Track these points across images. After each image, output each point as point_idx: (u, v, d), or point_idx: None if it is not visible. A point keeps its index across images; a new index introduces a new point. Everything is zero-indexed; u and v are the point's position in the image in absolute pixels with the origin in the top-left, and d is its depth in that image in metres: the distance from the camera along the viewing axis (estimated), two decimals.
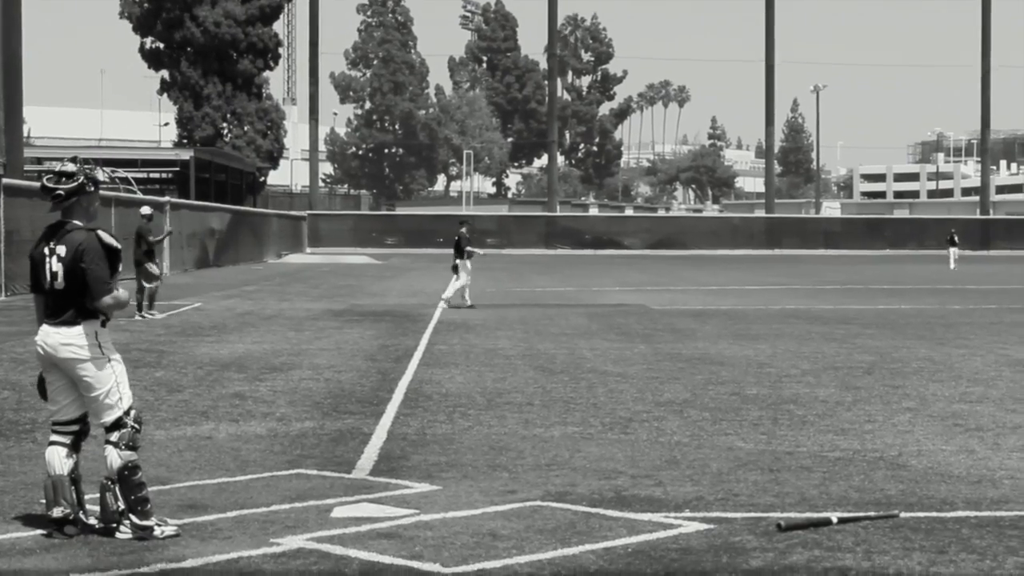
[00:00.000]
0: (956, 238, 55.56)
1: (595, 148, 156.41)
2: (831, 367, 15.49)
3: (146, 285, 23.35)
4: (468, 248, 27.19)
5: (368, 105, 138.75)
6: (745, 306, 27.48)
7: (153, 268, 23.66)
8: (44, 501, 7.04)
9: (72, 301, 6.95)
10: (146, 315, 22.89)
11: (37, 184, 7.25)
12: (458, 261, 27.12)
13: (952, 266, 52.12)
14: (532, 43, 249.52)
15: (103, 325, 7.02)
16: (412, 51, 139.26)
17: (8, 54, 34.31)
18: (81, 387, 6.98)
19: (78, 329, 6.93)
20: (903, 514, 7.49)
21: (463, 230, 27.66)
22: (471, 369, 15.18)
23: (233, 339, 19.11)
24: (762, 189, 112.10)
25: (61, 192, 7.03)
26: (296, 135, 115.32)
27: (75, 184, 7.04)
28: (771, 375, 14.66)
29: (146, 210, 24.97)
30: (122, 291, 7.06)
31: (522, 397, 12.71)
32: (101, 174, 7.27)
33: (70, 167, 7.07)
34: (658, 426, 10.91)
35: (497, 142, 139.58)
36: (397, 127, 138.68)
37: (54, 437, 7.07)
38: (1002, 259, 70.53)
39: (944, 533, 7.07)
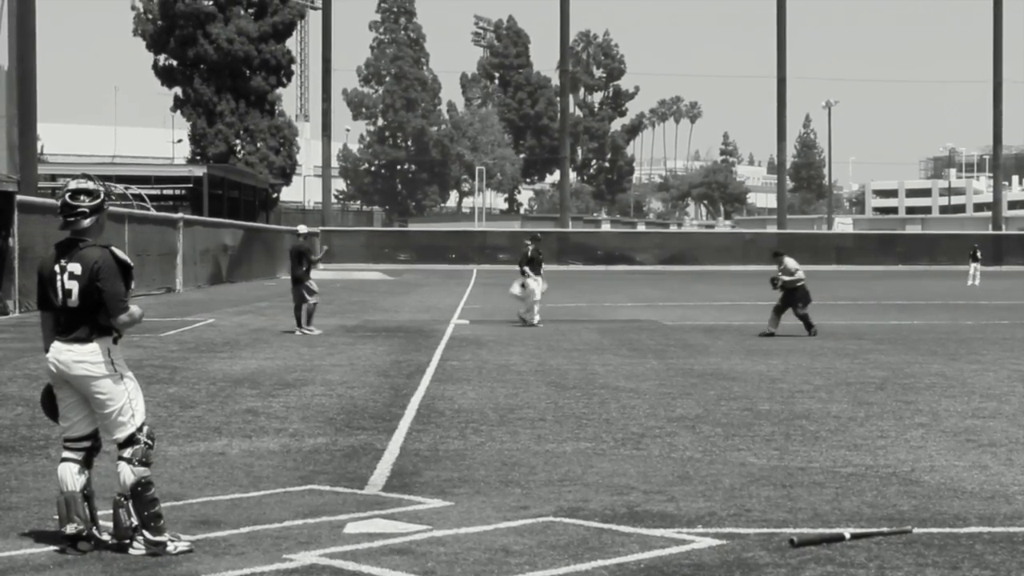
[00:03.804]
0: (979, 254, 53.57)
1: (607, 164, 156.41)
2: (843, 382, 15.47)
3: (309, 300, 23.77)
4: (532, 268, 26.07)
5: (380, 121, 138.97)
6: (757, 321, 27.41)
7: (313, 285, 24.10)
8: (57, 517, 7.05)
9: (86, 318, 6.96)
10: (306, 331, 23.31)
11: (51, 200, 7.26)
12: (529, 279, 26.11)
13: (976, 282, 50.56)
14: (544, 59, 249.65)
15: (115, 342, 7.04)
16: (424, 67, 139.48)
17: (23, 70, 34.44)
18: (94, 404, 7.00)
19: (91, 346, 6.95)
20: (916, 530, 7.48)
21: (531, 246, 26.61)
22: (483, 385, 15.19)
23: (246, 355, 19.15)
24: (774, 205, 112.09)
25: (84, 209, 7.03)
26: (309, 151, 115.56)
27: (97, 201, 7.06)
28: (783, 390, 14.65)
29: (303, 228, 25.83)
30: (136, 308, 7.08)
31: (534, 413, 12.71)
32: (111, 190, 7.30)
33: (89, 184, 7.09)
34: (670, 442, 10.91)
35: (509, 158, 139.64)
36: (409, 143, 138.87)
37: (66, 453, 7.09)
38: (1015, 275, 70.32)
39: (957, 549, 7.06)
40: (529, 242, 27.16)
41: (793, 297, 23.48)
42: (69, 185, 7.11)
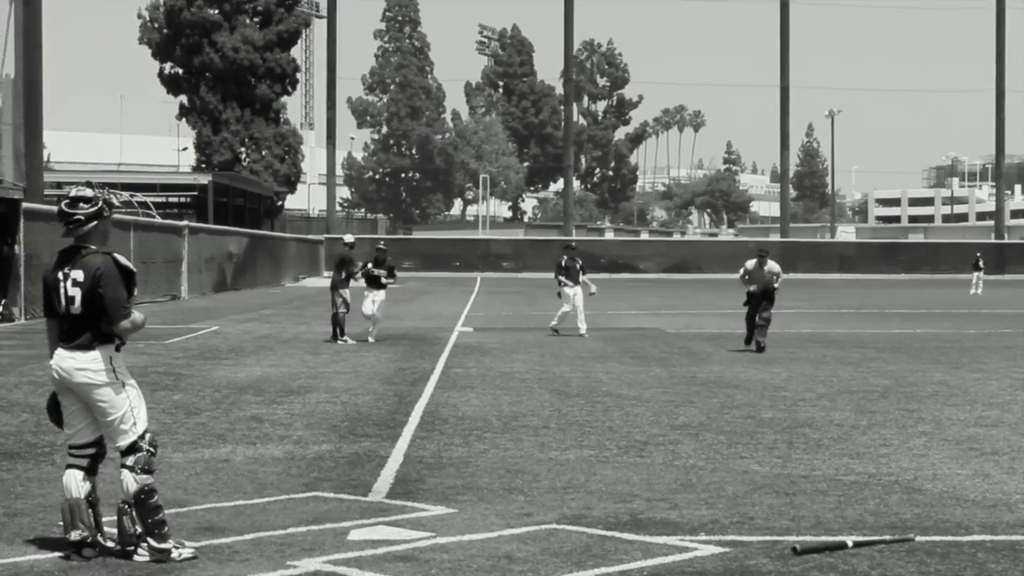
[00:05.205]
0: (981, 262, 53.48)
1: (611, 172, 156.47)
2: (846, 391, 15.48)
3: (339, 311, 23.75)
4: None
5: (385, 130, 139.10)
6: None
7: (347, 295, 24.10)
8: (62, 524, 7.07)
9: (88, 325, 6.97)
10: (342, 340, 23.23)
11: (57, 208, 7.25)
12: (566, 288, 25.81)
13: (979, 291, 50.40)
14: (548, 68, 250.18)
15: (118, 349, 7.05)
16: (429, 76, 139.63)
17: (29, 79, 34.55)
18: (96, 412, 7.01)
19: (93, 354, 6.96)
20: (918, 538, 7.49)
21: (565, 257, 26.09)
22: (487, 392, 15.20)
23: (251, 362, 19.17)
24: (777, 213, 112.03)
25: (80, 216, 7.05)
26: (313, 159, 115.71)
27: (94, 208, 7.08)
28: (786, 398, 14.66)
29: (349, 238, 26.01)
30: (138, 314, 7.10)
31: (538, 420, 12.73)
32: (115, 199, 7.31)
33: (88, 192, 7.11)
34: (673, 449, 10.92)
35: (513, 166, 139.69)
36: (414, 151, 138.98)
37: (71, 460, 7.10)
38: (1017, 283, 70.26)
39: (960, 557, 7.07)
40: (563, 252, 26.63)
41: (763, 301, 22.82)
42: (70, 193, 7.15)
